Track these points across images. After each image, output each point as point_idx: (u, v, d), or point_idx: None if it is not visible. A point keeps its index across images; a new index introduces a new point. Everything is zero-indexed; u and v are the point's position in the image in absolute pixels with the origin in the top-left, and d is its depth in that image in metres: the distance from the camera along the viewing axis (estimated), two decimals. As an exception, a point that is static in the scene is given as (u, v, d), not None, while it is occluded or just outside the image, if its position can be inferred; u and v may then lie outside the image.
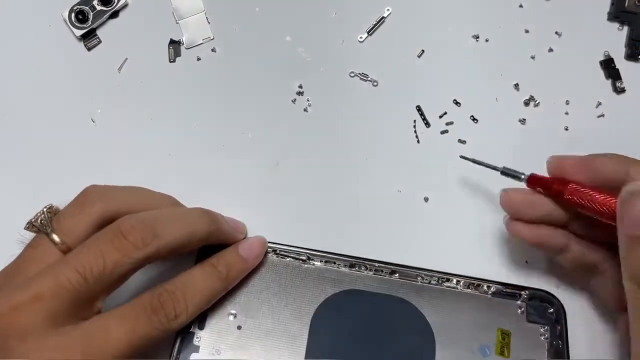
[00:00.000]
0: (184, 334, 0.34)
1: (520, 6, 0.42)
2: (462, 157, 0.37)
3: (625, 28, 0.42)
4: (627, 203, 0.29)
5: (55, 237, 0.30)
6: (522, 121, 0.40)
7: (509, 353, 0.34)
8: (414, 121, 0.40)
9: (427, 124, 0.40)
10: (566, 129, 0.40)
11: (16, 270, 0.30)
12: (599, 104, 0.41)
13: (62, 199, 0.32)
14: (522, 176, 0.34)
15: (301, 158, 0.40)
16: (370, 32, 0.42)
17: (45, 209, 0.31)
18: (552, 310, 0.35)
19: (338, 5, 0.42)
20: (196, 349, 0.34)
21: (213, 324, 0.34)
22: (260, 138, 0.40)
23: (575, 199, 0.32)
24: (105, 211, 0.31)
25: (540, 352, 0.34)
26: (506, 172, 0.35)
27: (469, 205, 0.38)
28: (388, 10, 0.42)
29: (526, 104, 0.41)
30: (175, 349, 0.33)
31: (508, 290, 0.36)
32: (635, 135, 0.40)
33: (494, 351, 0.34)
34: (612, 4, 0.42)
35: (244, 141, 0.40)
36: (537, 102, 0.41)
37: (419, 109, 0.41)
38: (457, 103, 0.41)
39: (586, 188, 0.32)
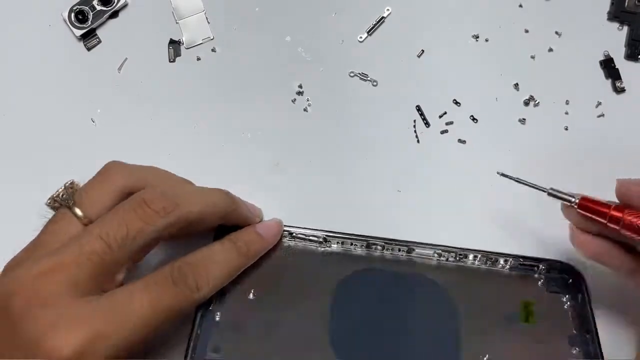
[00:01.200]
0: (204, 311, 0.33)
1: (520, 6, 0.42)
2: (501, 174, 0.34)
3: (625, 28, 0.42)
4: None
5: (78, 211, 0.30)
6: (522, 121, 0.40)
7: (535, 321, 0.34)
8: (414, 121, 0.40)
9: (427, 124, 0.40)
10: (566, 129, 0.40)
11: (39, 244, 0.30)
12: (599, 103, 0.41)
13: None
14: (573, 199, 0.32)
15: (301, 158, 0.40)
16: (370, 32, 0.42)
17: (66, 184, 0.31)
18: (571, 280, 0.36)
19: (338, 5, 0.42)
20: (217, 324, 0.33)
21: (233, 301, 0.34)
22: (260, 138, 0.40)
23: (634, 227, 0.30)
24: (126, 186, 0.31)
25: (565, 319, 0.34)
26: (554, 194, 0.32)
27: (469, 201, 0.38)
28: (388, 10, 0.42)
29: (526, 103, 0.41)
30: (196, 325, 0.33)
31: (525, 263, 0.36)
32: (635, 135, 0.40)
33: (519, 319, 0.34)
34: (612, 3, 0.42)
35: (244, 141, 0.40)
36: (537, 102, 0.41)
37: (418, 108, 0.41)
38: (457, 103, 0.41)
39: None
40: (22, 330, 0.27)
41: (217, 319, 0.33)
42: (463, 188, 0.39)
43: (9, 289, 0.28)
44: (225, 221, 0.34)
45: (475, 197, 0.38)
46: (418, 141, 0.40)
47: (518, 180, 0.34)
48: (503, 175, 0.34)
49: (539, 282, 0.36)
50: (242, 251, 0.33)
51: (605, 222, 0.30)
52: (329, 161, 0.39)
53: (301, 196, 0.38)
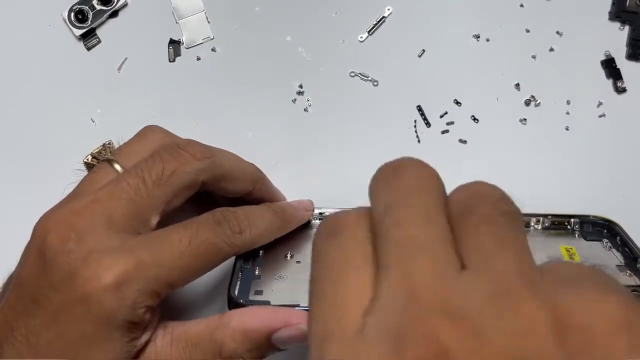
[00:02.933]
0: (243, 265, 0.33)
1: (521, 6, 0.42)
2: None
3: (627, 28, 0.42)
4: None
5: (117, 166, 0.30)
6: (523, 121, 0.40)
7: (579, 258, 0.35)
8: (415, 121, 0.40)
9: (428, 124, 0.40)
10: (567, 129, 0.40)
11: (76, 191, 0.30)
12: (600, 103, 0.40)
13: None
14: None
15: (301, 158, 0.39)
16: (370, 31, 0.42)
17: (105, 143, 0.32)
18: (605, 230, 0.36)
19: (338, 5, 0.42)
20: (257, 276, 0.32)
21: (271, 261, 0.33)
22: (260, 138, 0.40)
23: None
24: (166, 143, 0.32)
25: (609, 256, 0.35)
26: None
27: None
28: (389, 9, 0.42)
29: (527, 103, 0.40)
30: (237, 268, 0.32)
31: (557, 220, 0.37)
32: (636, 135, 0.40)
33: (563, 259, 0.34)
34: (613, 3, 0.42)
35: (244, 141, 0.40)
36: (537, 102, 0.40)
37: (419, 108, 0.40)
38: (457, 103, 0.41)
39: None
40: (56, 266, 0.26)
41: (257, 273, 0.33)
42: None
43: (44, 227, 0.27)
44: (255, 195, 0.34)
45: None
46: (419, 141, 0.40)
47: None
48: None
49: (575, 235, 0.36)
50: (277, 213, 0.33)
51: None
52: (329, 161, 0.39)
53: (301, 196, 0.38)
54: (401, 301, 0.16)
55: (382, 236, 0.19)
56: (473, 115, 0.40)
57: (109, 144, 0.32)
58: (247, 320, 0.28)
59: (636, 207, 0.39)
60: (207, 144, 0.39)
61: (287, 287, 0.32)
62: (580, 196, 0.40)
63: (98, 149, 0.31)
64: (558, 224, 0.37)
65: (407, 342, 0.15)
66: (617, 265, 0.34)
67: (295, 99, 0.41)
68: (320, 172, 0.39)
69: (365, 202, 0.38)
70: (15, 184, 0.39)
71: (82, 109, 0.40)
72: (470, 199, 0.20)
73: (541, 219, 0.37)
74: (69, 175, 0.38)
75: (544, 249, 0.35)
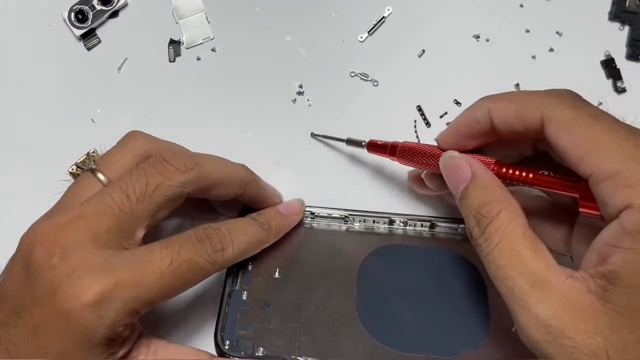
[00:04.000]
0: (231, 291, 0.33)
1: (521, 6, 0.42)
2: (312, 135, 0.40)
3: (626, 28, 0.42)
4: (447, 165, 0.31)
5: (100, 175, 0.30)
6: (523, 121, 0.40)
7: None
8: (415, 121, 0.40)
9: (428, 124, 0.40)
10: (567, 129, 0.40)
11: (61, 204, 0.30)
12: (600, 103, 0.40)
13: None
14: (363, 143, 0.37)
15: (301, 158, 0.39)
16: (370, 31, 0.42)
17: (89, 152, 0.32)
18: None
19: (338, 5, 0.42)
20: (244, 303, 0.33)
21: (259, 280, 0.34)
22: (260, 138, 0.40)
23: (407, 156, 0.34)
24: (147, 151, 0.32)
25: None
26: (350, 141, 0.38)
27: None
28: (389, 9, 0.42)
29: (527, 103, 0.40)
30: (224, 304, 0.33)
31: None
32: (636, 135, 0.40)
33: None
34: (613, 3, 0.42)
35: (244, 141, 0.40)
36: (537, 102, 0.40)
37: (419, 108, 0.41)
38: (457, 103, 0.41)
39: (416, 144, 0.34)
40: (40, 281, 0.27)
41: (244, 298, 0.33)
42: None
43: (31, 241, 0.28)
44: (246, 196, 0.34)
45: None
46: (419, 141, 0.40)
47: (325, 137, 0.39)
48: (313, 135, 0.40)
49: None
50: (264, 226, 0.33)
51: (387, 154, 0.36)
52: (329, 161, 0.39)
53: (301, 196, 0.38)
54: None
55: None
56: (473, 115, 0.40)
57: (93, 152, 0.32)
58: None
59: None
60: (205, 143, 0.39)
61: (273, 321, 0.32)
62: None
63: (82, 159, 0.32)
64: None
65: None
66: None
67: (295, 99, 0.41)
68: (320, 172, 0.39)
69: (365, 203, 0.38)
70: (14, 184, 0.39)
71: (82, 109, 0.40)
72: None
73: None
74: (67, 176, 0.38)
75: None
